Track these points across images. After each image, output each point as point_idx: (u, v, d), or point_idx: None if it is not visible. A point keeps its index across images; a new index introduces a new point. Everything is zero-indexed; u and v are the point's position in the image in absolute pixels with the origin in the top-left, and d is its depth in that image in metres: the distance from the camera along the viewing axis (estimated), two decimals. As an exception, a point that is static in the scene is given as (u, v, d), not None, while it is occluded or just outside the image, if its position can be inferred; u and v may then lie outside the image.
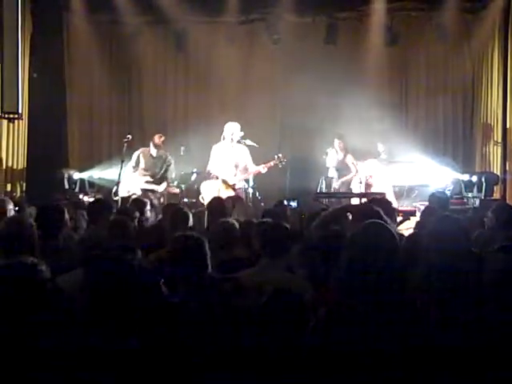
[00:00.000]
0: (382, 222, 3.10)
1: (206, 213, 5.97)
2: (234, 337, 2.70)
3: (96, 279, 2.69)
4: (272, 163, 8.98)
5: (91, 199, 9.59)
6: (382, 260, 2.73)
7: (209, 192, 8.80)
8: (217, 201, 6.41)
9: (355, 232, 2.93)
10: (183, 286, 3.31)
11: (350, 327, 2.51)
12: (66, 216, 5.02)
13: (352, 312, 2.59)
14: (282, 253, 4.02)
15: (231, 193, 8.70)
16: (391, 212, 4.50)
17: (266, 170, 8.99)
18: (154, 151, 9.45)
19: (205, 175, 9.24)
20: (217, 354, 2.57)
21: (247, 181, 9.28)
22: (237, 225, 4.75)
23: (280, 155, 9.04)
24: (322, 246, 3.72)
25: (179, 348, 2.61)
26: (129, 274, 2.70)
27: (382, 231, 2.90)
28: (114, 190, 9.03)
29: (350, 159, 9.75)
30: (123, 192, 9.10)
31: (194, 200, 9.54)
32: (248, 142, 9.10)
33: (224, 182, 8.89)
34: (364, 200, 8.23)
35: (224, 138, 9.02)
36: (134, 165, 9.34)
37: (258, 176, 9.33)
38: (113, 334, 2.51)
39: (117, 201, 8.60)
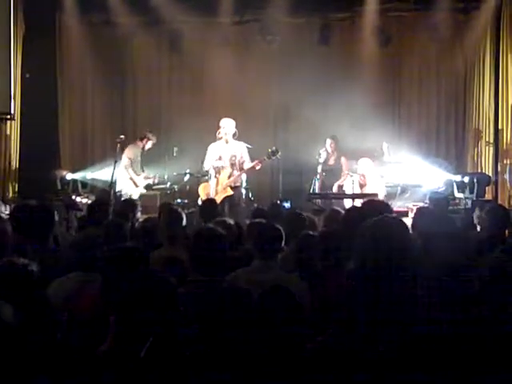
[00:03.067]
0: (394, 216, 3.11)
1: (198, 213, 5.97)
2: (232, 336, 2.70)
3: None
4: (265, 157, 8.87)
5: (84, 200, 9.65)
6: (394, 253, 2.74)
7: (206, 193, 8.76)
8: (208, 202, 6.42)
9: (365, 225, 2.92)
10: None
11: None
12: (56, 217, 4.99)
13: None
14: (275, 253, 4.02)
15: (230, 193, 8.70)
16: (389, 213, 4.48)
17: (259, 166, 8.86)
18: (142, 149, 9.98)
19: (200, 174, 9.24)
20: (214, 354, 2.58)
21: (240, 181, 9.23)
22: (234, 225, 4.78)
23: (274, 148, 8.90)
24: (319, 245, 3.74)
25: (176, 347, 2.61)
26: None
27: (393, 224, 2.91)
28: (112, 191, 9.04)
29: (343, 160, 9.78)
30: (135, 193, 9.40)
31: (187, 200, 9.55)
32: (241, 143, 9.07)
33: (220, 183, 8.82)
34: (357, 201, 8.28)
35: (221, 138, 8.96)
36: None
37: (250, 177, 9.30)
38: None
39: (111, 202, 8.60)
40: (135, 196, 9.39)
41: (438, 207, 5.96)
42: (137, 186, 9.79)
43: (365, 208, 4.50)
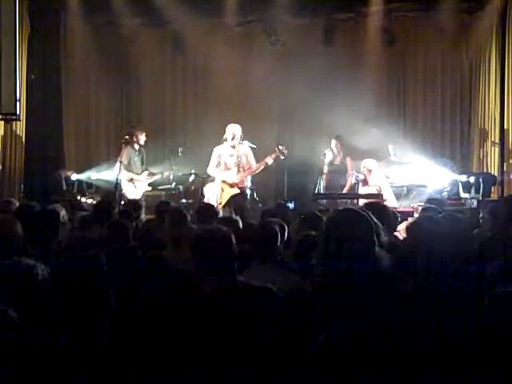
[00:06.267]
0: (355, 209, 3.11)
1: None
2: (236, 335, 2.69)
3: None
4: (274, 155, 8.90)
5: (89, 200, 9.67)
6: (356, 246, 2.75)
7: (212, 194, 8.77)
8: (206, 206, 6.44)
9: (329, 217, 2.94)
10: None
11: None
12: (64, 219, 5.00)
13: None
14: (272, 253, 4.00)
15: (235, 191, 8.71)
16: (387, 216, 4.39)
17: (272, 160, 8.88)
18: (137, 147, 9.81)
19: (205, 175, 9.23)
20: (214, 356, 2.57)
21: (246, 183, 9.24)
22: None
23: (281, 146, 8.95)
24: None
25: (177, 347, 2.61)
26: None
27: (355, 217, 2.91)
28: (117, 192, 9.05)
29: (348, 160, 9.78)
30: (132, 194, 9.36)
31: (192, 201, 9.56)
32: (246, 143, 9.08)
33: (225, 182, 8.83)
34: (361, 201, 8.27)
35: (226, 140, 9.00)
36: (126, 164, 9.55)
37: (255, 177, 9.31)
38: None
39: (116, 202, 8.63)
40: (137, 197, 9.35)
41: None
42: (135, 186, 9.70)
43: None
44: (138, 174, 9.71)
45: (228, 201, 8.63)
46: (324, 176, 9.75)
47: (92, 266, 2.71)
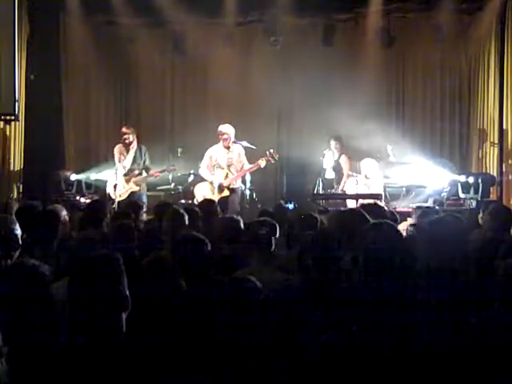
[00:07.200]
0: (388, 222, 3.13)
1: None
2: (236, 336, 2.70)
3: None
4: (264, 159, 8.86)
5: (88, 200, 9.64)
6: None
7: (203, 194, 8.79)
8: (207, 202, 6.45)
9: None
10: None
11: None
12: (64, 218, 5.00)
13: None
14: (270, 251, 4.03)
15: (225, 194, 8.72)
16: (384, 218, 4.37)
17: (265, 163, 8.86)
18: (133, 147, 9.56)
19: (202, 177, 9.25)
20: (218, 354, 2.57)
21: (244, 182, 9.24)
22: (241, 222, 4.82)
23: (271, 150, 8.94)
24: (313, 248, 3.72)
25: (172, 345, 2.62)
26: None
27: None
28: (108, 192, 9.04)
29: (342, 160, 9.75)
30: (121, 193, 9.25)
31: (191, 201, 9.55)
32: (245, 143, 9.08)
33: (214, 184, 8.83)
34: (360, 201, 8.28)
35: (222, 142, 9.00)
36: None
37: (255, 177, 9.31)
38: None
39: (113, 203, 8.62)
40: (123, 194, 9.23)
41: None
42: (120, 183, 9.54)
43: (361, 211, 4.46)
44: (126, 172, 9.51)
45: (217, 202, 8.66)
46: (323, 176, 9.75)
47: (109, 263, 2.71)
